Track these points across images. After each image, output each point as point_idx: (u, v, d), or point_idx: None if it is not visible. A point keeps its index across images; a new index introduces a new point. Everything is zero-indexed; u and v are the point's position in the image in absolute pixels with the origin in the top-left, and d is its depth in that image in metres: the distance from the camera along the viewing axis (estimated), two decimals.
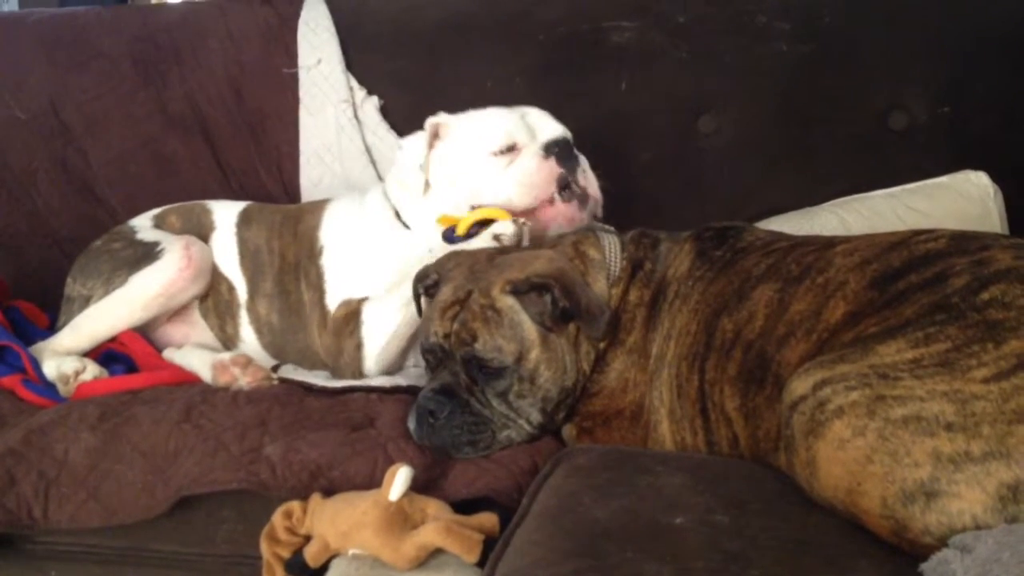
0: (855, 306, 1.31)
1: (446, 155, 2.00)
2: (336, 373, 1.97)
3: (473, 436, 1.57)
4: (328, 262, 2.07)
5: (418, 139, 2.05)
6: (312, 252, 2.10)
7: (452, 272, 1.71)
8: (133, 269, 2.04)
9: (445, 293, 1.66)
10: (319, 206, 2.20)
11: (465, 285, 1.64)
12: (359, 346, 1.92)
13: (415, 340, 1.90)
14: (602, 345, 1.66)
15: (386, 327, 1.90)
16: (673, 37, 2.40)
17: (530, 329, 1.59)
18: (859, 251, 1.40)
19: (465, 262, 1.72)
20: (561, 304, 1.58)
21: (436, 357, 1.65)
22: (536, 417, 1.62)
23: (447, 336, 1.61)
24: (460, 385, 1.59)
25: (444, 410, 1.56)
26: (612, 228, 1.82)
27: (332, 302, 2.02)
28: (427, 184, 1.99)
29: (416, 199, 2.02)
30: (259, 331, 2.14)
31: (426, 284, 1.76)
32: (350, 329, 1.93)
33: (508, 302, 1.59)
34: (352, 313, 1.95)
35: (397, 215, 2.05)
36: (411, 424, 1.60)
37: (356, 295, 1.99)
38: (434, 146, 2.01)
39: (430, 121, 2.03)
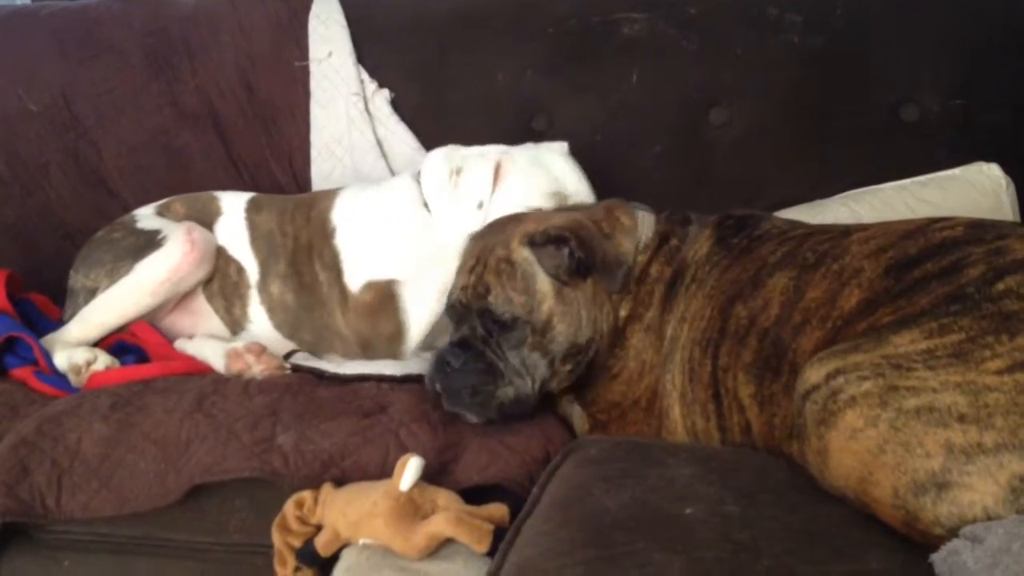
0: (870, 293, 1.30)
1: (505, 198, 2.00)
2: (368, 353, 2.01)
3: (478, 385, 1.59)
4: (342, 242, 2.10)
5: (482, 174, 2.02)
6: (324, 233, 2.13)
7: (481, 231, 1.78)
8: (137, 257, 2.05)
9: (469, 250, 1.71)
10: (332, 192, 2.23)
11: (486, 241, 1.69)
12: (400, 328, 1.96)
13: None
14: (622, 313, 1.67)
15: (429, 314, 1.95)
16: (684, 29, 2.39)
17: (543, 282, 1.62)
18: (875, 238, 1.39)
19: (494, 222, 1.79)
20: (577, 255, 1.60)
21: (457, 312, 1.69)
22: (543, 372, 1.63)
23: (464, 289, 1.65)
24: (476, 337, 1.63)
25: (459, 360, 1.60)
26: (647, 206, 1.82)
27: (351, 282, 2.05)
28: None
29: (459, 217, 2.01)
30: (271, 310, 2.15)
31: None
32: (388, 313, 1.97)
33: (524, 254, 1.63)
34: (386, 297, 1.98)
35: (425, 204, 2.06)
36: (427, 373, 1.65)
37: (376, 276, 2.02)
38: (498, 185, 2.01)
39: (493, 159, 2.03)
